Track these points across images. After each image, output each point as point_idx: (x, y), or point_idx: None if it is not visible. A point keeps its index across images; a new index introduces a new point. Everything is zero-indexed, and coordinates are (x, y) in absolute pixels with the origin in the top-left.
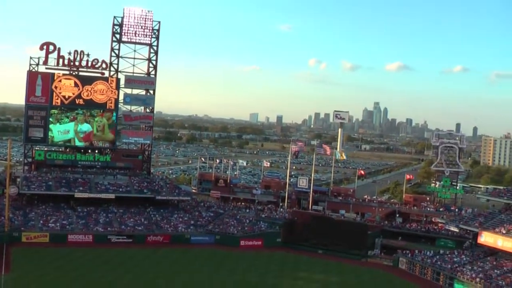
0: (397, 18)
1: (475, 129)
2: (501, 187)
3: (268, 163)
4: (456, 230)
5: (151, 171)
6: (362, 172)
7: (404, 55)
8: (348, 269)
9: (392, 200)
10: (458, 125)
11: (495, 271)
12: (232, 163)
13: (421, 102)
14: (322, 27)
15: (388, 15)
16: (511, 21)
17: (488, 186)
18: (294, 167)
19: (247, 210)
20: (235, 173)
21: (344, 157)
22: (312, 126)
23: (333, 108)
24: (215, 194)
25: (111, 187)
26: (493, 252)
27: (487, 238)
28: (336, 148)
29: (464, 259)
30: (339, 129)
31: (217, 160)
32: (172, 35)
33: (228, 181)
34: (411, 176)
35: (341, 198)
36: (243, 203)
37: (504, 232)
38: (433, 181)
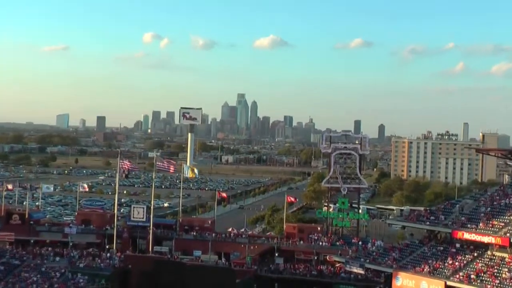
0: None
1: (381, 127)
2: (421, 208)
3: (87, 187)
4: (361, 272)
5: None
6: (224, 194)
7: (281, 27)
8: None
9: (268, 233)
10: (357, 123)
11: None
12: (31, 188)
13: (304, 92)
14: None
15: None
16: None
17: (402, 208)
18: (125, 191)
19: (57, 259)
20: (37, 203)
21: (196, 174)
22: (149, 130)
23: (179, 104)
24: (7, 237)
25: None
26: None
27: (405, 281)
28: (186, 162)
29: None
30: (189, 134)
31: (9, 186)
32: None
33: (27, 216)
34: (294, 198)
35: (195, 233)
36: (50, 248)
37: (429, 270)
38: (325, 204)
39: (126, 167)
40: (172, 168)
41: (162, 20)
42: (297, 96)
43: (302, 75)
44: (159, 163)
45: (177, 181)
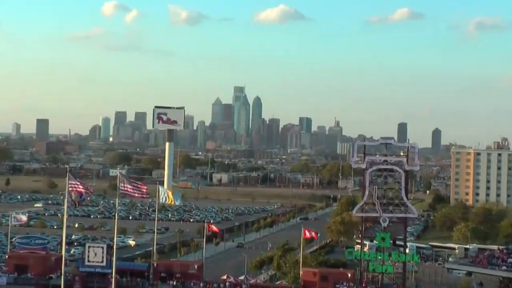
0: None
1: (435, 133)
2: (494, 247)
3: (23, 219)
4: None
5: None
6: (215, 228)
7: None
8: None
9: (279, 282)
10: (402, 128)
11: None
12: None
13: (327, 84)
14: None
15: None
16: None
17: (468, 246)
18: (77, 225)
19: None
20: None
21: (177, 202)
22: (111, 139)
23: (153, 102)
24: None
25: None
26: None
27: None
28: (163, 183)
29: None
30: (167, 144)
31: None
32: None
33: None
34: (314, 232)
35: (175, 282)
36: None
37: None
38: (358, 240)
39: (79, 190)
40: (139, 192)
41: None
42: (317, 91)
43: (324, 61)
44: (125, 185)
45: (151, 209)
